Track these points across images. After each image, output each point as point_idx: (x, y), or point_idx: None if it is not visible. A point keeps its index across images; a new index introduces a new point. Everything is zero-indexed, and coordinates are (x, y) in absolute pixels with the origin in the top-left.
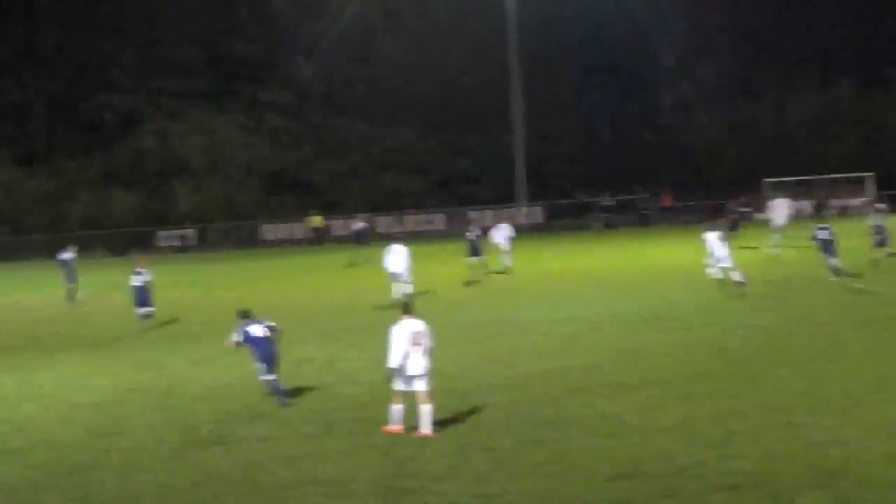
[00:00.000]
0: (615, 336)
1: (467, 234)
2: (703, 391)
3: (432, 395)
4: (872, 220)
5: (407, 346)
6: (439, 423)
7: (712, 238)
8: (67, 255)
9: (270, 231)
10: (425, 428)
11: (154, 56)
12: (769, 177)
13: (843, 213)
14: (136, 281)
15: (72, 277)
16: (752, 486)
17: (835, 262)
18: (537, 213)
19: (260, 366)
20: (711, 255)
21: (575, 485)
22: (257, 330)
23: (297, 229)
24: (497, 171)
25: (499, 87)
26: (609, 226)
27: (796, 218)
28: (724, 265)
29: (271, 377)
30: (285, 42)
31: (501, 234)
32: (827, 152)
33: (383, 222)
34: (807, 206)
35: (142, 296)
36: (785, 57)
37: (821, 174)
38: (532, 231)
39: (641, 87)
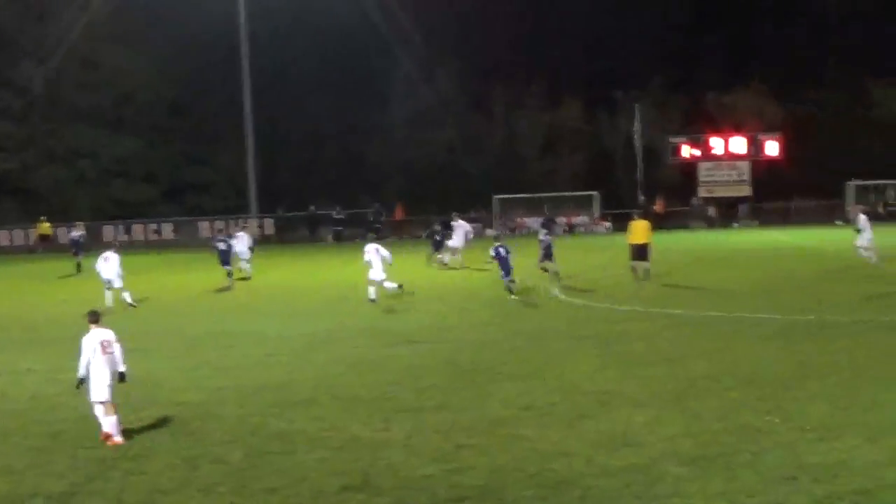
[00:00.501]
0: (346, 350)
1: (217, 243)
2: (433, 405)
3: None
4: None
5: (94, 354)
6: (171, 435)
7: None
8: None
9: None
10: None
11: None
12: (500, 193)
13: (570, 230)
14: None
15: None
16: (479, 498)
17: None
18: (268, 225)
19: None
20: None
21: (305, 498)
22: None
23: (17, 236)
24: (229, 182)
25: (230, 96)
26: (339, 238)
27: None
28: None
29: None
30: (10, 43)
31: (242, 244)
32: (555, 170)
33: (109, 231)
34: (535, 222)
35: None
36: (516, 74)
37: (549, 192)
38: (264, 243)
39: (374, 99)
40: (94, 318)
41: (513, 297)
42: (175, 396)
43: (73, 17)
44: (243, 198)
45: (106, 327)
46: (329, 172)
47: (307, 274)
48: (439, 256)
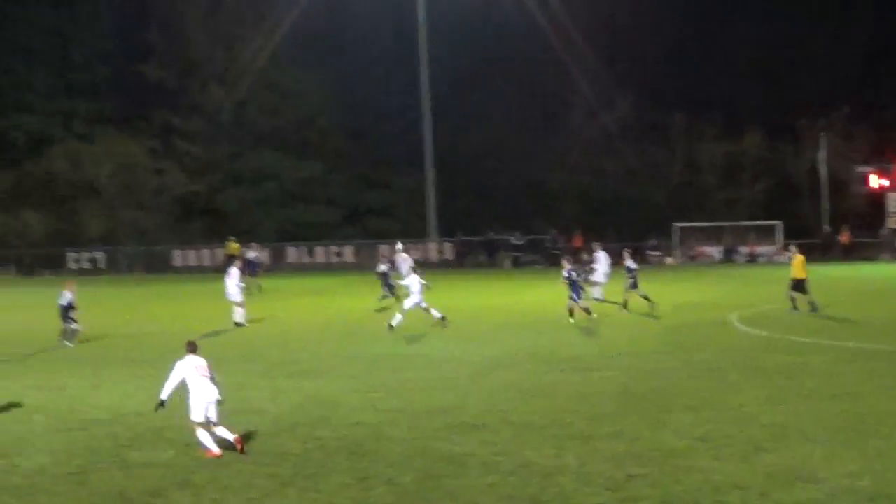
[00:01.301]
0: (517, 375)
1: (379, 267)
2: (605, 433)
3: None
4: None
5: (191, 377)
6: (346, 455)
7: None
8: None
9: (180, 257)
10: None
11: (66, 78)
12: (679, 221)
13: (752, 259)
14: (63, 300)
15: None
16: None
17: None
18: (448, 250)
19: None
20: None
21: None
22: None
23: (206, 256)
24: (408, 206)
25: (409, 121)
26: (518, 264)
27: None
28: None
29: None
30: (199, 69)
31: (405, 265)
32: (736, 199)
33: (293, 252)
34: (716, 251)
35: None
36: (695, 104)
37: (730, 220)
38: (443, 267)
39: (553, 125)
40: (192, 347)
41: (572, 320)
42: (350, 417)
43: (259, 44)
44: (422, 221)
45: (200, 356)
46: (508, 198)
47: (483, 298)
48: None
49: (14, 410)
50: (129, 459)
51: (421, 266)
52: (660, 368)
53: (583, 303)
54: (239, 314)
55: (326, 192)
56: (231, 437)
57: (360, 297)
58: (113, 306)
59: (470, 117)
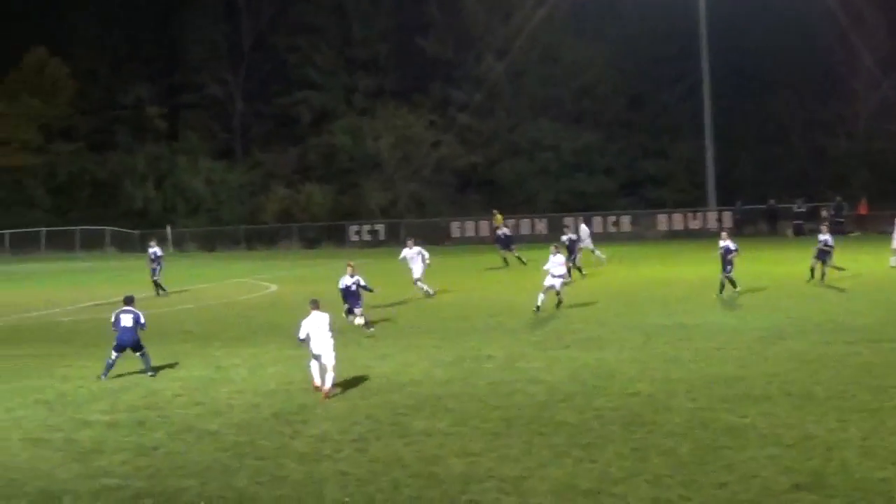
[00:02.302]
0: (800, 345)
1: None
2: (891, 406)
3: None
4: None
5: (313, 330)
6: (622, 426)
7: None
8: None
9: (458, 228)
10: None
11: (348, 54)
12: None
13: None
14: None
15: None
16: None
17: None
18: (727, 219)
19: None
20: None
21: (754, 494)
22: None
23: (483, 227)
24: (686, 174)
25: (687, 88)
26: (799, 232)
27: None
28: None
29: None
30: (476, 41)
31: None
32: None
33: (570, 223)
34: None
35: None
36: None
37: None
38: None
39: (837, 92)
40: (315, 305)
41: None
42: (628, 387)
43: (534, 13)
44: (700, 190)
45: (323, 312)
46: (789, 166)
47: (763, 266)
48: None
49: (299, 381)
50: (407, 427)
51: (698, 235)
52: None
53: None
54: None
55: (604, 161)
56: (320, 383)
57: (636, 267)
58: (394, 278)
59: (751, 85)
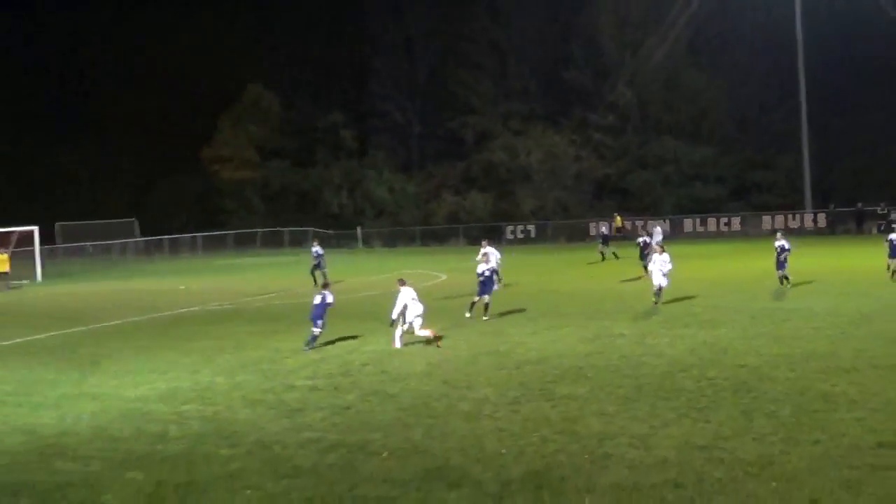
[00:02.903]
0: (886, 327)
1: (638, 238)
2: None
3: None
4: None
5: (407, 302)
6: (732, 392)
7: None
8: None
9: (594, 228)
10: (426, 332)
11: (504, 84)
12: None
13: None
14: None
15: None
16: None
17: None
18: (821, 219)
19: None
20: None
21: (843, 451)
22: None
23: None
24: (787, 181)
25: (789, 110)
26: (881, 231)
27: None
28: None
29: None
30: (610, 72)
31: (657, 235)
32: None
33: (689, 223)
34: None
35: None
36: None
37: None
38: (816, 234)
39: None
40: (402, 282)
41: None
42: (737, 360)
43: (659, 48)
44: (799, 195)
45: (411, 286)
46: (877, 174)
47: (853, 261)
48: None
49: (465, 354)
50: (553, 392)
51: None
52: None
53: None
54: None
55: (717, 171)
56: (428, 333)
57: (744, 260)
58: (540, 269)
59: (843, 103)
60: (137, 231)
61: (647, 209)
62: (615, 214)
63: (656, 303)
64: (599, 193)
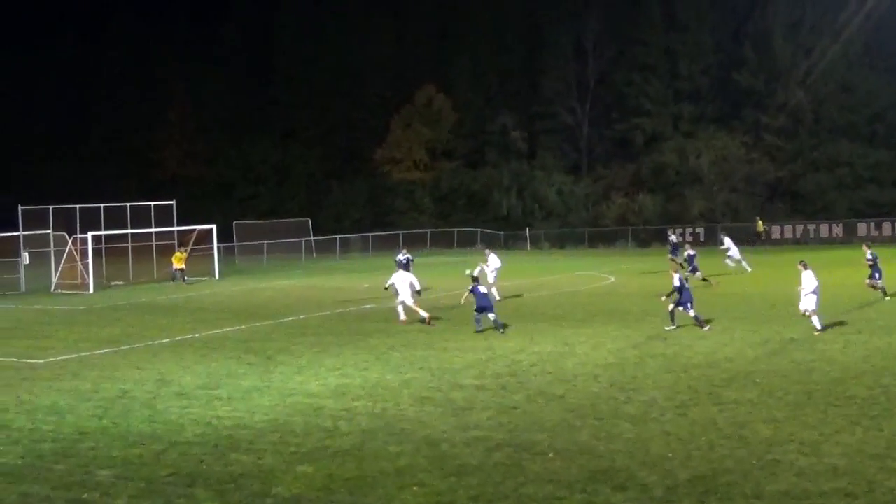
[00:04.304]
0: None
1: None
2: None
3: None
4: None
5: (398, 283)
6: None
7: None
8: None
9: (766, 231)
10: (424, 314)
11: (674, 87)
12: None
13: None
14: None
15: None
16: None
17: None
18: None
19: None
20: None
21: None
22: (482, 289)
23: (787, 230)
24: None
25: None
26: None
27: None
28: None
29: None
30: (782, 74)
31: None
32: None
33: (863, 228)
34: None
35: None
36: None
37: None
38: None
39: None
40: (406, 267)
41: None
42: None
43: (831, 48)
44: None
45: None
46: None
47: None
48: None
49: (632, 356)
50: (722, 397)
51: None
52: None
53: None
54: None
55: (893, 175)
56: (424, 314)
57: None
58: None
59: None
60: (310, 230)
61: (820, 212)
62: (756, 218)
63: (820, 329)
64: (771, 196)
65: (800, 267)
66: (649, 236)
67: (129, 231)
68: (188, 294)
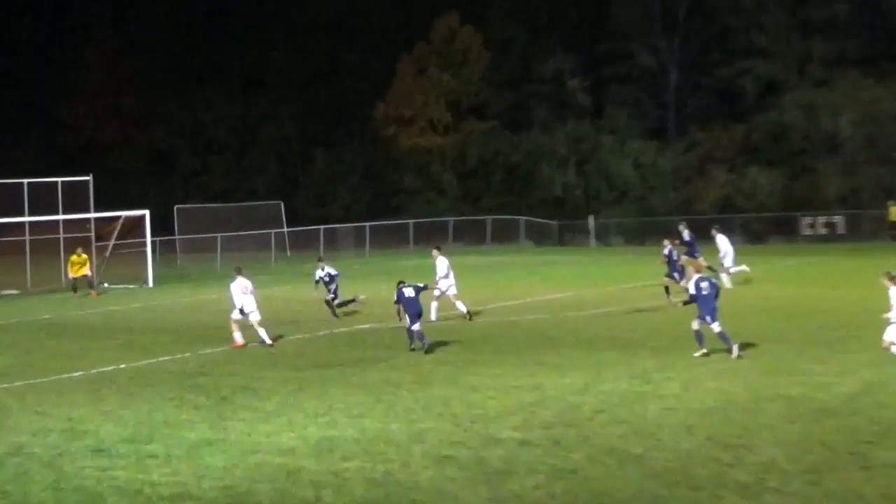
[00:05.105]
0: None
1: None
2: None
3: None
4: None
5: (242, 294)
6: None
7: None
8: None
9: None
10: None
11: (800, 14)
12: None
13: None
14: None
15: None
16: None
17: None
18: None
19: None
20: None
21: None
22: (407, 291)
23: None
24: None
25: None
26: None
27: None
28: None
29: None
30: None
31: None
32: None
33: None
34: None
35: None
36: None
37: None
38: None
39: None
40: (238, 271)
41: None
42: None
43: None
44: None
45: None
46: None
47: None
48: None
49: (741, 399)
50: (870, 458)
51: None
52: None
53: None
54: None
55: None
56: (268, 340)
57: None
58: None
59: None
60: (283, 219)
61: None
62: (889, 203)
63: None
64: None
65: (886, 282)
66: (764, 227)
67: (27, 219)
68: (109, 308)
